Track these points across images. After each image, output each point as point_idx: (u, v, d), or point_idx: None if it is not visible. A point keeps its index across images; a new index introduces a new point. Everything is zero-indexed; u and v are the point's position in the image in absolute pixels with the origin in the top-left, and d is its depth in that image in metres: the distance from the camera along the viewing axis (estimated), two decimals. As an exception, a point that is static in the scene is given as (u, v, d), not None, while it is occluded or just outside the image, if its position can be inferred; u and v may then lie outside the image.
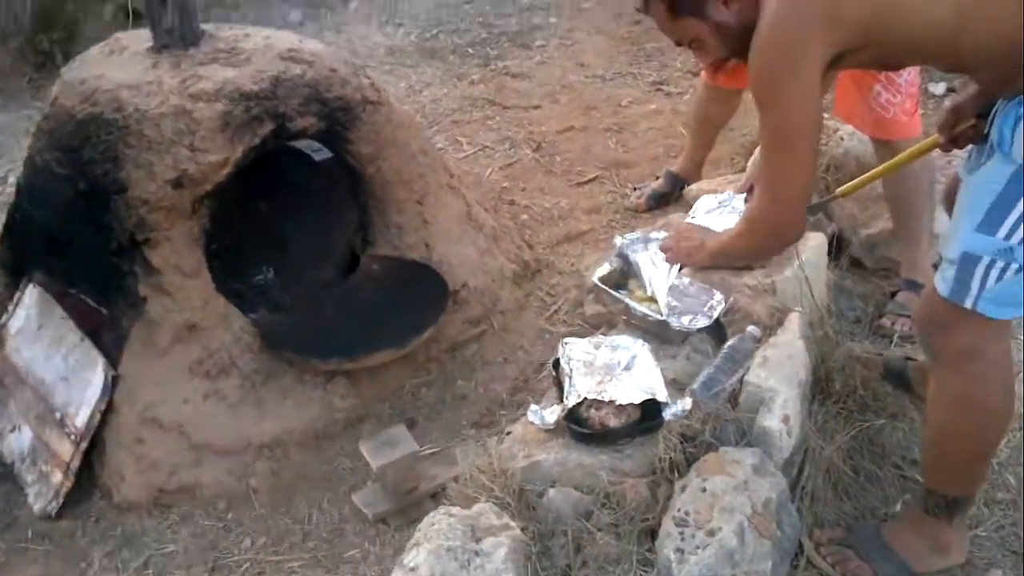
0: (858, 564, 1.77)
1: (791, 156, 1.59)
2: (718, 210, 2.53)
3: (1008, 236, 1.44)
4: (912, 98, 2.42)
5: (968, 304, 1.52)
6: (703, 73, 2.92)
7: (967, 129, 1.73)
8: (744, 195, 2.54)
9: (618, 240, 2.30)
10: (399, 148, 2.55)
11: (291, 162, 2.53)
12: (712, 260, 2.14)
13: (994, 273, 1.48)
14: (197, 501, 2.11)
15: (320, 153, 2.50)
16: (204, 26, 2.42)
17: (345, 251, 2.59)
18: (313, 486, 2.14)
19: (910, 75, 2.42)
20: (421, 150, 2.64)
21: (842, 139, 3.06)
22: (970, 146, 1.76)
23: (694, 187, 2.91)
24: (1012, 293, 1.49)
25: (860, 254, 2.73)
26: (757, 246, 1.97)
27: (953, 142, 1.79)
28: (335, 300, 2.41)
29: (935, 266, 2.04)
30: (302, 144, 2.48)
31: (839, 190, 2.31)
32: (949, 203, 1.91)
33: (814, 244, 2.41)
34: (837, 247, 2.66)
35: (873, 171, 2.27)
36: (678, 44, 1.70)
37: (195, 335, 2.20)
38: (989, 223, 1.46)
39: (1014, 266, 1.46)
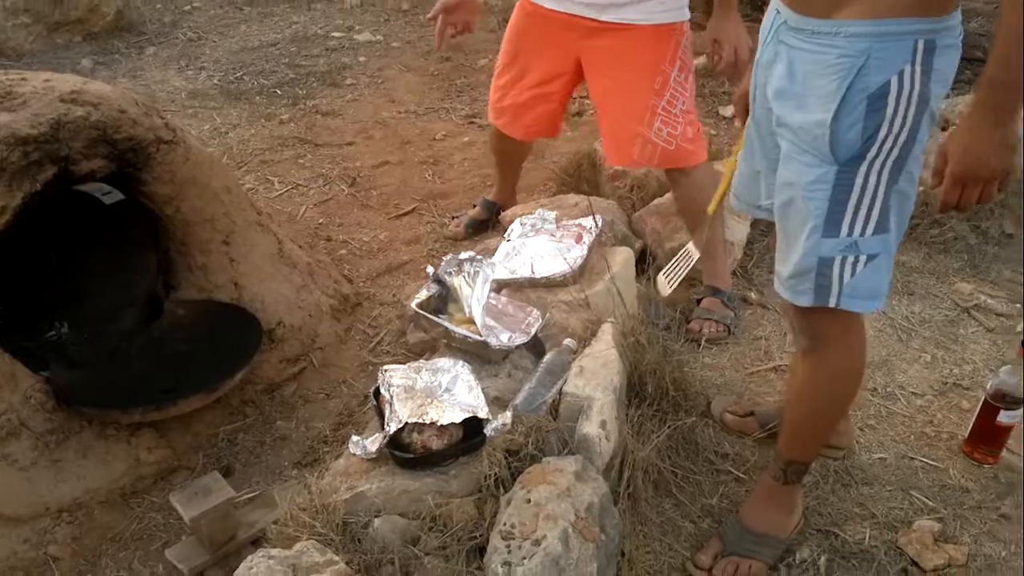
0: (748, 564, 1.84)
1: None
2: (531, 233, 2.59)
3: (850, 232, 1.53)
4: (692, 124, 2.50)
5: (832, 303, 1.59)
6: (489, 114, 2.92)
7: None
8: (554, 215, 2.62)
9: (430, 268, 2.30)
10: (199, 187, 2.45)
11: (81, 208, 2.38)
12: (1011, 115, 1.39)
13: (848, 269, 1.56)
14: (-11, 579, 1.91)
15: (111, 196, 2.36)
16: (-25, 72, 2.26)
17: (147, 297, 2.44)
18: (122, 547, 1.98)
19: (685, 104, 2.49)
20: (224, 188, 2.54)
21: (643, 160, 3.21)
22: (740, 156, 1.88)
23: (509, 212, 2.97)
24: (868, 285, 1.57)
25: (666, 265, 2.85)
26: None
27: None
28: (138, 350, 2.26)
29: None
30: (91, 188, 2.34)
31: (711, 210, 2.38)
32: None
33: (623, 258, 2.50)
34: (644, 260, 2.77)
35: (719, 188, 2.31)
36: None
37: (-23, 398, 2.01)
38: (832, 225, 1.53)
39: (862, 258, 1.54)
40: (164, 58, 4.77)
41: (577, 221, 2.61)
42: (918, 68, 1.42)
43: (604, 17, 2.39)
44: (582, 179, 3.38)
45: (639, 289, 2.54)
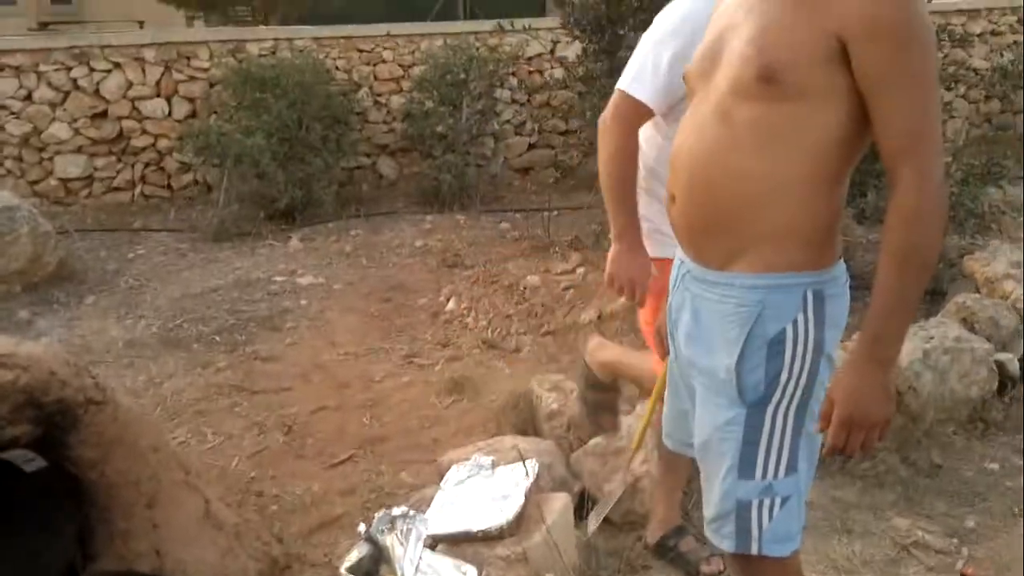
0: None
1: (935, 103, 1.44)
2: (468, 481, 2.56)
3: (764, 475, 1.58)
4: None
5: (754, 550, 1.61)
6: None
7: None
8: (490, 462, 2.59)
9: (362, 527, 2.24)
10: (126, 447, 2.40)
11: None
12: (890, 366, 1.51)
13: (765, 513, 1.59)
14: None
15: (32, 463, 2.29)
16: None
17: (64, 570, 2.31)
18: None
19: None
20: (152, 448, 2.49)
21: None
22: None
23: (446, 458, 2.93)
24: (783, 528, 1.60)
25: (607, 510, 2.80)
26: (931, 242, 1.43)
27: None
28: (47, 631, 2.11)
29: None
30: (11, 455, 2.27)
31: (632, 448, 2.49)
32: None
33: (559, 507, 2.46)
34: (584, 504, 2.73)
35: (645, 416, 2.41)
36: None
37: None
38: (747, 467, 1.58)
39: (777, 500, 1.58)
40: (103, 307, 4.80)
41: (513, 466, 2.59)
42: (811, 316, 1.54)
43: None
44: (520, 419, 3.39)
45: (578, 538, 2.49)
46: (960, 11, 8.40)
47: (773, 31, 1.46)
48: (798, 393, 1.56)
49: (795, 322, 1.53)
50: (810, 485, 1.65)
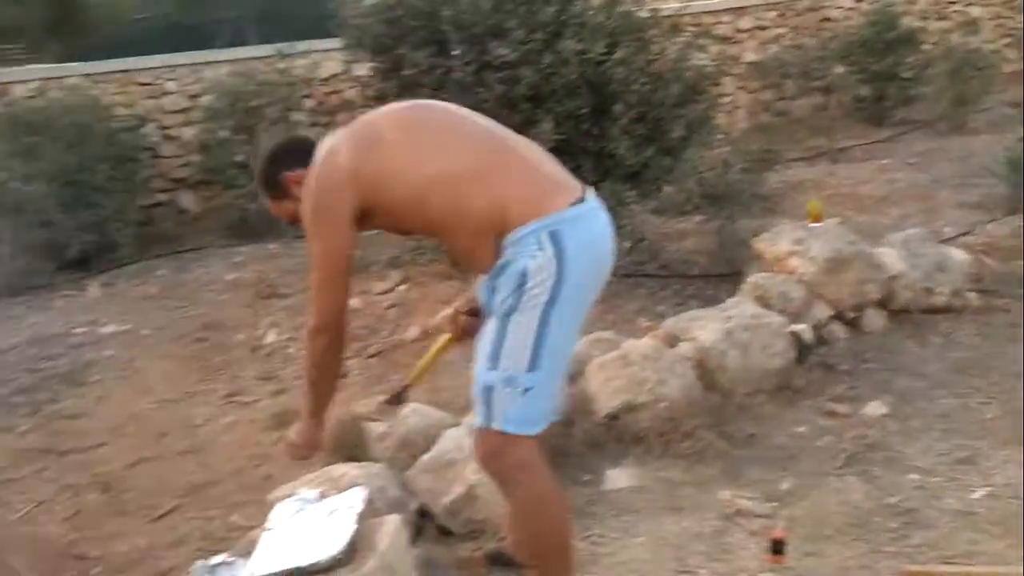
0: None
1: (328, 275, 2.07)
2: (295, 517, 2.47)
3: (506, 368, 1.92)
4: None
5: (495, 426, 1.95)
6: None
7: (458, 319, 2.37)
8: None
9: (198, 564, 2.15)
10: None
11: None
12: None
13: (506, 397, 1.93)
14: None
15: None
16: None
17: None
18: None
19: None
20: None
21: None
22: None
23: (272, 495, 2.82)
24: (523, 413, 1.95)
25: (447, 522, 2.80)
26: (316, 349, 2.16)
27: (464, 335, 2.34)
28: None
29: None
30: None
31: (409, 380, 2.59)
32: None
33: (391, 529, 2.39)
34: (423, 521, 2.72)
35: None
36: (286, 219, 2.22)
37: None
38: (492, 360, 1.94)
39: (519, 389, 1.92)
40: None
41: (342, 495, 2.53)
42: None
43: None
44: (350, 445, 3.33)
45: (417, 556, 2.46)
46: (728, 10, 9.02)
47: None
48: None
49: None
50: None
